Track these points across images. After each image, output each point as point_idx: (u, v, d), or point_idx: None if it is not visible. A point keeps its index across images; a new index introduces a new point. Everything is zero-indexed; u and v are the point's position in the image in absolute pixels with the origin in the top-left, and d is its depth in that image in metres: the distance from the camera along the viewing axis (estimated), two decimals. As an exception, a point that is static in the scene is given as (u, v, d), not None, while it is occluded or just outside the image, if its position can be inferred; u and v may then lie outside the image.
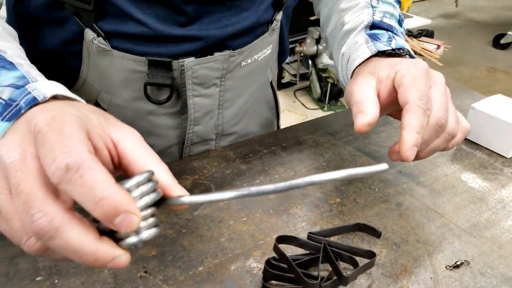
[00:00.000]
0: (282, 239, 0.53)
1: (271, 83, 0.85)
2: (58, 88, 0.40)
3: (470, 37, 4.53)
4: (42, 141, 0.31)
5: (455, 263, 0.53)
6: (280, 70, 3.30)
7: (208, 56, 0.66)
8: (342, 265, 0.52)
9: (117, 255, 0.31)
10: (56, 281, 0.50)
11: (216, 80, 0.69)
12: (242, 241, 0.56)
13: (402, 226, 0.59)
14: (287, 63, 3.36)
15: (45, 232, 0.29)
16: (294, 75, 3.34)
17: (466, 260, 0.54)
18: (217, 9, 0.65)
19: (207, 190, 0.64)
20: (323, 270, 0.51)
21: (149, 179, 0.34)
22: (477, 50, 4.22)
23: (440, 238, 0.57)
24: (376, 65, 0.59)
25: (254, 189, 0.34)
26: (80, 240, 0.30)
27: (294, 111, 3.16)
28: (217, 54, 0.67)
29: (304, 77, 3.35)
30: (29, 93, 0.38)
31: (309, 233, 0.55)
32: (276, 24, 0.73)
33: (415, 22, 3.11)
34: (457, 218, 0.61)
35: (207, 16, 0.65)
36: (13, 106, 0.38)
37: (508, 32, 4.14)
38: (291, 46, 3.23)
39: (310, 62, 3.16)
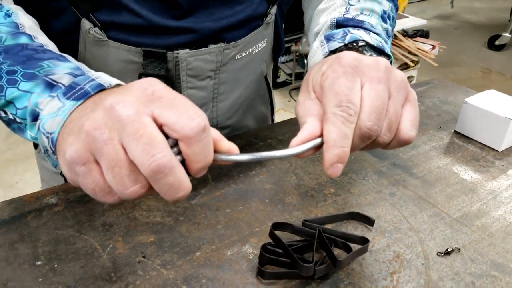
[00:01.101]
0: (277, 226, 0.54)
1: (265, 78, 0.86)
2: (115, 79, 0.44)
3: (465, 38, 4.56)
4: (170, 104, 0.36)
5: (446, 250, 0.55)
6: (276, 69, 3.31)
7: (203, 48, 0.67)
8: (336, 251, 0.53)
9: (190, 187, 0.37)
10: (55, 265, 0.51)
11: (211, 72, 0.70)
12: (238, 228, 0.57)
13: (395, 215, 0.60)
14: (283, 62, 3.37)
15: (163, 168, 0.34)
16: (290, 75, 3.35)
17: (457, 248, 0.55)
18: (211, 2, 0.66)
19: (204, 180, 0.65)
20: (318, 256, 0.52)
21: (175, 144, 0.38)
22: (472, 51, 4.25)
23: (432, 227, 0.58)
24: (312, 71, 0.50)
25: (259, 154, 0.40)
26: (185, 177, 0.36)
27: (290, 110, 3.17)
28: (211, 47, 0.67)
29: (300, 76, 3.36)
30: (93, 80, 0.42)
31: (304, 220, 0.56)
32: (270, 18, 0.74)
33: (410, 22, 3.13)
34: (448, 208, 0.62)
35: (201, 9, 0.66)
36: (77, 88, 0.41)
37: (503, 34, 4.17)
38: (287, 45, 3.24)
39: (305, 61, 3.17)
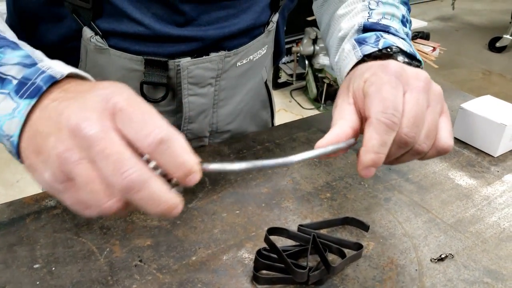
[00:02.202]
0: (273, 231, 0.54)
1: (265, 83, 0.87)
2: (69, 67, 0.43)
3: (466, 40, 4.56)
4: (129, 119, 0.36)
5: (440, 256, 0.55)
6: (277, 69, 3.32)
7: (204, 57, 0.67)
8: (330, 256, 0.54)
9: (179, 203, 0.36)
10: (53, 268, 0.51)
11: (211, 80, 0.70)
12: (234, 233, 0.58)
13: (389, 221, 0.61)
14: (284, 63, 3.37)
15: (135, 184, 0.34)
16: (291, 75, 3.36)
17: (451, 254, 0.56)
18: (214, 10, 0.66)
19: (201, 184, 0.66)
20: (312, 261, 0.53)
21: None
22: (472, 53, 4.25)
23: (426, 232, 0.59)
24: (353, 76, 0.52)
25: (259, 163, 0.39)
26: (161, 190, 0.35)
27: (290, 111, 3.17)
28: (213, 55, 0.68)
29: (301, 77, 3.36)
30: (44, 72, 0.41)
31: (299, 225, 0.56)
32: (272, 26, 0.75)
33: (411, 24, 3.13)
34: (443, 214, 0.62)
35: (204, 17, 0.66)
36: (29, 84, 0.40)
37: (504, 36, 4.17)
38: (288, 46, 3.24)
39: (306, 62, 3.18)
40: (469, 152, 0.77)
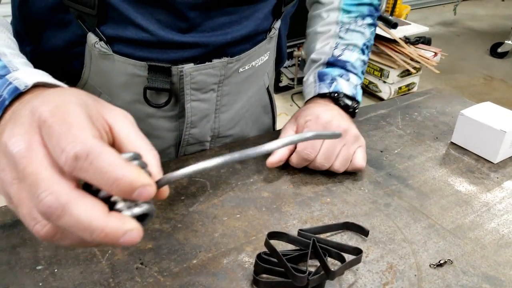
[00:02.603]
0: (273, 235, 0.55)
1: (267, 89, 0.88)
2: (39, 75, 0.41)
3: (468, 45, 4.57)
4: (48, 132, 0.32)
5: (439, 262, 0.56)
6: (278, 73, 3.33)
7: (207, 63, 0.68)
8: (330, 261, 0.54)
9: (129, 229, 0.31)
10: (55, 270, 0.52)
11: (214, 85, 0.71)
12: (235, 237, 0.58)
13: (389, 226, 0.61)
14: (285, 67, 3.38)
15: (52, 210, 0.30)
16: (292, 79, 3.37)
17: (450, 259, 0.56)
18: (217, 17, 0.67)
19: (202, 187, 0.67)
20: (312, 265, 0.54)
21: (135, 158, 0.34)
22: (474, 58, 4.26)
23: (426, 238, 0.59)
24: (302, 112, 0.75)
25: (237, 154, 0.35)
26: (89, 215, 0.30)
27: (291, 115, 3.18)
28: (215, 61, 0.68)
29: (302, 81, 3.37)
30: (10, 83, 0.39)
31: (300, 230, 0.57)
32: (274, 32, 0.75)
33: (412, 29, 3.14)
34: (442, 220, 0.63)
35: (207, 23, 0.66)
36: None
37: (506, 41, 4.18)
38: (289, 50, 3.25)
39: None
40: (468, 158, 0.77)
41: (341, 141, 0.69)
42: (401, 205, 0.65)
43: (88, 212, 0.30)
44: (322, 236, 0.58)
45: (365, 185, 0.69)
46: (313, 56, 0.84)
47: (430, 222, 0.62)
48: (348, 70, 0.80)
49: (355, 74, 0.81)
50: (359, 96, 0.80)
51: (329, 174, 0.71)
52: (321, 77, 0.79)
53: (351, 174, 0.72)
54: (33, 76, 0.41)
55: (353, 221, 0.60)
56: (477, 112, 0.78)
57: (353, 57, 0.81)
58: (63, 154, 0.30)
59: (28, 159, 0.32)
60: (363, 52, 0.83)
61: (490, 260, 0.57)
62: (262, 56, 0.76)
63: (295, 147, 0.70)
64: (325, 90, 0.77)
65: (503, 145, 0.74)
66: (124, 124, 0.36)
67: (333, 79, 0.78)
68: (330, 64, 0.81)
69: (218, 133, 0.79)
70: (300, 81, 3.35)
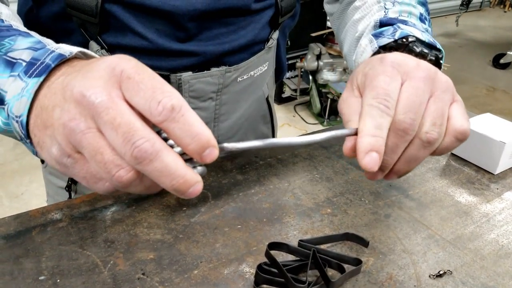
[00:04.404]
0: (273, 246, 0.55)
1: (267, 99, 0.89)
2: (78, 47, 0.42)
3: (470, 56, 4.58)
4: (137, 86, 0.34)
5: (438, 272, 0.56)
6: (281, 84, 3.35)
7: (205, 71, 0.69)
8: (330, 271, 0.54)
9: (198, 181, 0.35)
10: (58, 280, 0.52)
11: (212, 94, 0.72)
12: (236, 247, 0.58)
13: (389, 237, 0.62)
14: (288, 78, 3.40)
15: (147, 155, 0.33)
16: (295, 90, 3.39)
17: (449, 270, 0.56)
18: (216, 26, 0.68)
19: (204, 198, 0.67)
20: (312, 276, 0.54)
21: None
22: (476, 69, 4.27)
23: (425, 249, 0.60)
24: (356, 71, 0.52)
25: (273, 140, 0.42)
26: (175, 163, 0.34)
27: (294, 126, 3.19)
28: (213, 70, 0.70)
29: (305, 92, 3.39)
30: (53, 51, 0.41)
31: (300, 240, 0.57)
32: (272, 43, 0.77)
33: (415, 40, 3.15)
34: (442, 230, 0.63)
35: (205, 33, 0.68)
36: (38, 64, 0.40)
37: (508, 52, 4.19)
38: (292, 61, 3.27)
39: (310, 77, 3.21)
40: (469, 169, 0.78)
41: (426, 88, 0.45)
42: (401, 216, 0.66)
43: (175, 160, 0.34)
44: (323, 246, 0.59)
45: (365, 196, 0.70)
46: (358, 34, 0.67)
47: (430, 233, 0.63)
48: (410, 25, 0.60)
49: (421, 31, 0.60)
50: (438, 45, 0.58)
51: (329, 185, 0.71)
52: (377, 35, 0.59)
53: (352, 184, 0.72)
54: (73, 47, 0.42)
55: (353, 232, 0.60)
56: (477, 123, 0.79)
57: (413, 21, 0.62)
58: (160, 104, 0.33)
59: (115, 110, 0.33)
60: (422, 21, 0.64)
61: (489, 270, 0.57)
62: (261, 66, 0.77)
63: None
64: (387, 40, 0.57)
65: (503, 156, 0.74)
66: None
67: (395, 29, 0.58)
68: (384, 24, 0.62)
69: (218, 142, 0.79)
70: (303, 92, 3.37)
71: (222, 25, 0.68)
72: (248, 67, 0.74)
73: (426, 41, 0.56)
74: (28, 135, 0.40)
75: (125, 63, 0.35)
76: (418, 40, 0.56)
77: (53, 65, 0.39)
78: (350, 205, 0.68)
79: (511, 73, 4.18)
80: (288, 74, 3.37)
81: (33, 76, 0.39)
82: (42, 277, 0.53)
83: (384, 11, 0.64)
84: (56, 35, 0.70)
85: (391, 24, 0.60)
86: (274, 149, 0.82)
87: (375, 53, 0.57)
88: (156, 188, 0.38)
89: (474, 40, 5.08)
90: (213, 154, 0.36)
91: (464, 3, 4.77)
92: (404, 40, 0.55)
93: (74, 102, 0.34)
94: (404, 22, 0.60)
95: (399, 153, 0.45)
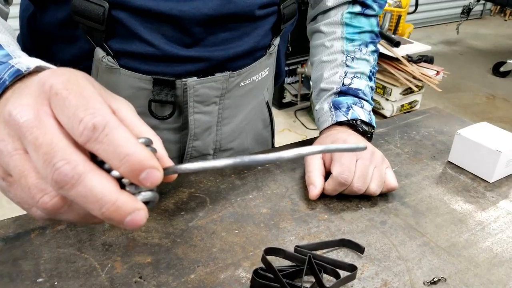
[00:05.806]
0: (270, 251, 0.56)
1: (267, 103, 0.90)
2: (40, 61, 0.41)
3: (470, 64, 4.59)
4: (62, 103, 0.31)
5: (433, 279, 0.56)
6: (282, 90, 3.35)
7: (210, 76, 0.70)
8: (325, 277, 0.55)
9: (137, 208, 0.31)
10: (56, 283, 0.53)
11: (216, 98, 0.73)
12: (232, 252, 0.59)
13: (385, 243, 0.62)
14: (289, 84, 3.41)
15: (68, 178, 0.30)
16: (295, 95, 3.39)
17: (443, 277, 0.57)
18: (221, 32, 0.69)
19: (202, 203, 0.68)
20: (307, 281, 0.54)
21: (147, 144, 0.34)
22: (477, 77, 4.28)
23: (420, 256, 0.60)
24: (325, 138, 0.76)
25: (246, 158, 0.34)
26: (102, 187, 0.30)
27: (294, 131, 3.19)
28: (217, 75, 0.71)
29: (305, 97, 3.40)
30: (12, 66, 0.39)
31: (296, 246, 0.58)
32: (273, 49, 0.78)
33: (415, 48, 3.17)
34: (437, 238, 0.64)
35: (211, 38, 0.69)
36: None
37: (508, 61, 4.20)
38: (293, 67, 3.28)
39: (311, 83, 3.21)
40: (465, 178, 0.78)
41: (371, 163, 0.69)
42: (397, 223, 0.66)
43: (102, 184, 0.30)
44: (319, 252, 0.59)
45: (361, 203, 0.70)
46: (322, 85, 0.84)
47: (425, 240, 0.63)
48: (360, 98, 0.82)
49: (367, 100, 0.83)
50: (373, 122, 0.82)
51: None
52: (336, 106, 0.80)
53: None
54: (36, 61, 0.40)
55: (349, 238, 0.61)
56: (474, 132, 0.79)
57: (363, 85, 0.83)
58: (81, 124, 0.30)
59: (40, 129, 0.31)
60: (370, 79, 0.85)
61: (483, 278, 0.57)
62: (262, 71, 0.78)
63: (328, 174, 0.70)
64: (343, 118, 0.78)
65: (498, 165, 0.75)
66: (128, 111, 0.36)
67: (348, 107, 0.79)
68: (343, 93, 0.82)
69: (220, 145, 0.80)
70: (303, 97, 3.38)
71: (227, 31, 0.69)
72: (250, 72, 0.75)
73: (367, 121, 0.79)
74: None
75: (55, 78, 0.32)
76: (362, 121, 0.79)
77: (8, 82, 0.38)
78: (346, 211, 0.68)
79: (511, 81, 4.19)
80: (289, 80, 3.38)
81: None
82: (40, 279, 0.53)
83: (344, 72, 0.83)
84: (60, 41, 0.71)
85: (348, 94, 0.81)
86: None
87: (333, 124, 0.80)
88: (93, 219, 0.34)
89: (474, 48, 5.09)
90: (153, 176, 0.31)
91: (465, 11, 4.79)
92: (354, 122, 0.78)
93: (4, 122, 0.33)
94: (357, 93, 0.82)
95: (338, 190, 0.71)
